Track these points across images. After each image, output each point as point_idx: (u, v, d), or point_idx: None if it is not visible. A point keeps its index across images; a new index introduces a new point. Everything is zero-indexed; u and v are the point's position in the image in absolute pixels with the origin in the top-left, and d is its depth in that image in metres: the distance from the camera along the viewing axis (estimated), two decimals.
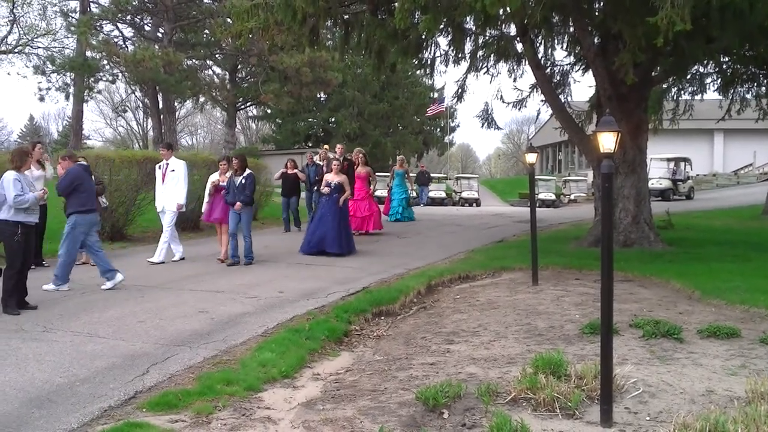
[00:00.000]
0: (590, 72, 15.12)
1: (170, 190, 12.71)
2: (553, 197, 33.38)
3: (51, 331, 7.50)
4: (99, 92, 44.34)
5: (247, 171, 12.46)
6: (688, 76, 16.78)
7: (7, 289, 8.53)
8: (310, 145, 46.61)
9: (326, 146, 15.92)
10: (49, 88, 36.77)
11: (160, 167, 12.98)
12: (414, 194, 22.54)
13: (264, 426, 4.99)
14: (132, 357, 6.60)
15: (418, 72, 43.42)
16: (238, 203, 12.19)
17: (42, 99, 38.04)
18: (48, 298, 9.21)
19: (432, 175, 39.25)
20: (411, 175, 33.78)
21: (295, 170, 18.10)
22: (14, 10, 39.00)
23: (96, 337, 7.31)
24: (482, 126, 18.82)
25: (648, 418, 4.86)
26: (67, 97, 37.71)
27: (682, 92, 18.41)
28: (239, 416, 5.17)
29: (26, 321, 7.91)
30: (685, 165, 36.14)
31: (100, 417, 5.12)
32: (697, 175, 43.70)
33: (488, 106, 18.41)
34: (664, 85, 17.55)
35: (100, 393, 5.60)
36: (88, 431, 4.82)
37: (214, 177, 13.06)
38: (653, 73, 14.55)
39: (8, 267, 8.60)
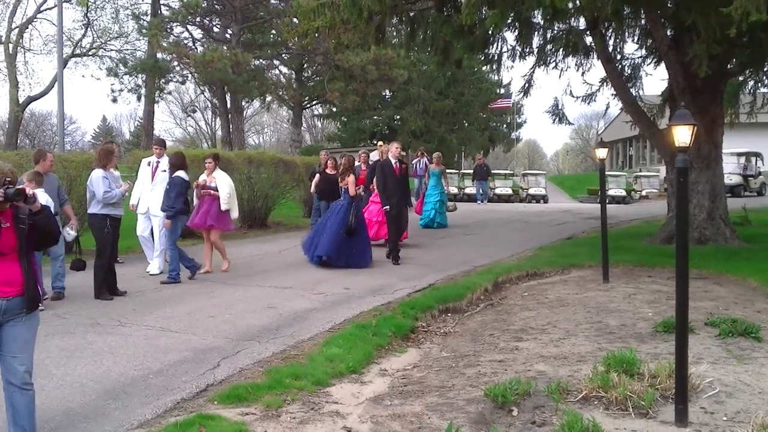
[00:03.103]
0: (662, 65, 14.73)
1: (159, 191, 11.03)
2: (624, 193, 32.65)
3: (125, 326, 7.70)
4: (169, 93, 45.48)
5: (179, 173, 10.55)
6: (766, 68, 16.16)
7: (99, 278, 9.17)
8: (374, 143, 46.73)
9: (381, 142, 14.12)
10: (121, 90, 37.82)
11: (149, 164, 11.48)
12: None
13: (333, 420, 5.02)
14: (203, 351, 6.73)
15: (484, 68, 43.11)
16: (165, 219, 10.47)
17: (114, 100, 39.17)
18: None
19: (498, 171, 38.54)
20: (450, 172, 32.54)
21: (335, 171, 14.79)
22: (88, 14, 40.22)
23: (168, 331, 7.48)
24: (553, 122, 18.50)
25: (725, 418, 4.71)
26: (138, 98, 38.75)
27: (760, 85, 17.74)
28: (308, 410, 5.21)
29: (101, 315, 8.15)
30: (756, 160, 34.80)
31: (173, 409, 5.24)
32: None
33: (558, 101, 18.12)
34: (741, 78, 16.94)
35: (172, 386, 5.73)
36: (162, 422, 4.92)
37: (203, 177, 11.59)
38: (729, 65, 14.09)
39: (99, 257, 9.28)
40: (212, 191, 11.26)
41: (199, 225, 11.40)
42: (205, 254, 11.44)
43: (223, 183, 11.36)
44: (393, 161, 12.60)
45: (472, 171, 33.51)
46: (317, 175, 15.80)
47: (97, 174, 9.37)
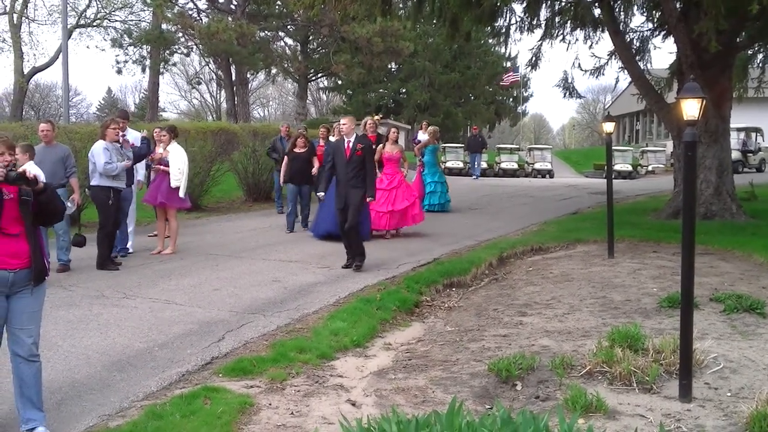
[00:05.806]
0: (671, 38, 14.57)
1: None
2: (630, 168, 32.42)
3: (130, 298, 7.73)
4: (174, 65, 45.31)
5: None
6: None
7: (104, 249, 9.29)
8: (380, 116, 46.53)
9: (377, 116, 12.29)
10: (126, 61, 37.61)
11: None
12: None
13: (337, 393, 5.04)
14: (208, 324, 6.76)
15: (491, 41, 42.68)
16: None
17: (119, 72, 38.96)
18: (126, 266, 9.52)
19: (503, 145, 38.02)
20: (456, 146, 30.69)
21: (305, 149, 13.20)
22: None
23: (173, 304, 7.50)
24: (564, 96, 18.36)
25: (729, 394, 4.72)
26: (143, 70, 38.54)
27: None
28: (312, 383, 5.23)
29: (107, 288, 8.17)
30: (756, 135, 34.34)
31: (178, 381, 5.27)
32: None
33: (568, 74, 17.99)
34: (750, 51, 16.75)
35: (177, 358, 5.75)
36: (167, 395, 4.95)
37: (159, 151, 10.89)
38: (738, 38, 13.92)
39: (102, 228, 9.35)
40: (163, 166, 10.66)
41: (150, 201, 10.85)
42: (159, 233, 10.89)
43: (175, 158, 10.67)
44: (346, 141, 9.74)
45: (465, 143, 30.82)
46: (284, 158, 13.53)
47: (98, 145, 9.34)
